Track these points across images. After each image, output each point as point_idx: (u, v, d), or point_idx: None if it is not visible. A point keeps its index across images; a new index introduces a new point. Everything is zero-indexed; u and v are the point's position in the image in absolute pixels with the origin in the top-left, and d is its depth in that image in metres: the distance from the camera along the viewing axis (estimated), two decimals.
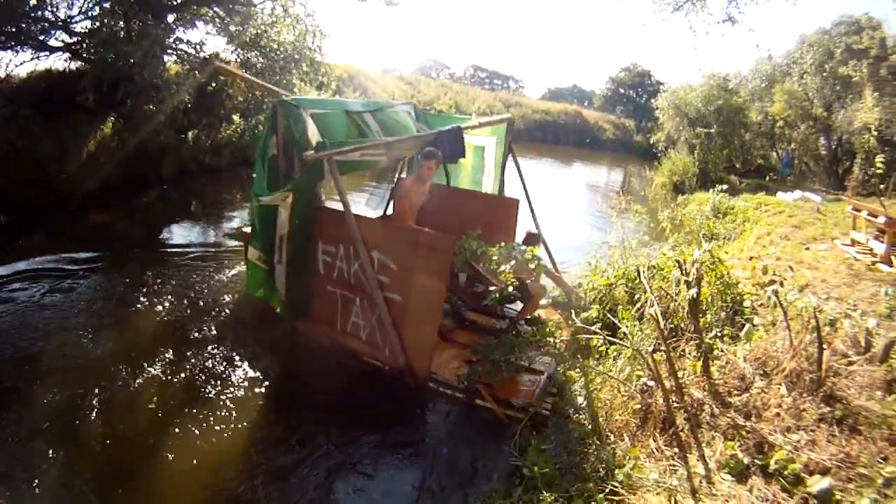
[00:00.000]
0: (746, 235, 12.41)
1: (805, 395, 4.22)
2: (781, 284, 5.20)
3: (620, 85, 58.06)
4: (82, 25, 13.66)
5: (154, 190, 12.77)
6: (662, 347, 4.62)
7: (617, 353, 5.45)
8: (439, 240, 5.16)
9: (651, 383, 4.56)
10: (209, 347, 6.07)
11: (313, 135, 5.70)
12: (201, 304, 7.07)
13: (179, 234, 10.38)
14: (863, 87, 17.32)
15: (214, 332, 6.39)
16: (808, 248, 9.62)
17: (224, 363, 5.77)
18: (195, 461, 4.34)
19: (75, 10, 13.49)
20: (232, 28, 15.35)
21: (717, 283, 6.41)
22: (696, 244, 12.06)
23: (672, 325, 5.60)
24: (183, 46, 14.86)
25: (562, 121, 44.04)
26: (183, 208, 12.25)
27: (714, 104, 22.18)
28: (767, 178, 23.09)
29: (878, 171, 14.13)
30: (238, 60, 15.85)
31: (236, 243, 9.04)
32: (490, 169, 8.19)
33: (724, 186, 15.85)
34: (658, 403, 4.40)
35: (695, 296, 4.90)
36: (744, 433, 4.00)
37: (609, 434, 4.55)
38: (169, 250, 9.21)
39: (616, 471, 3.86)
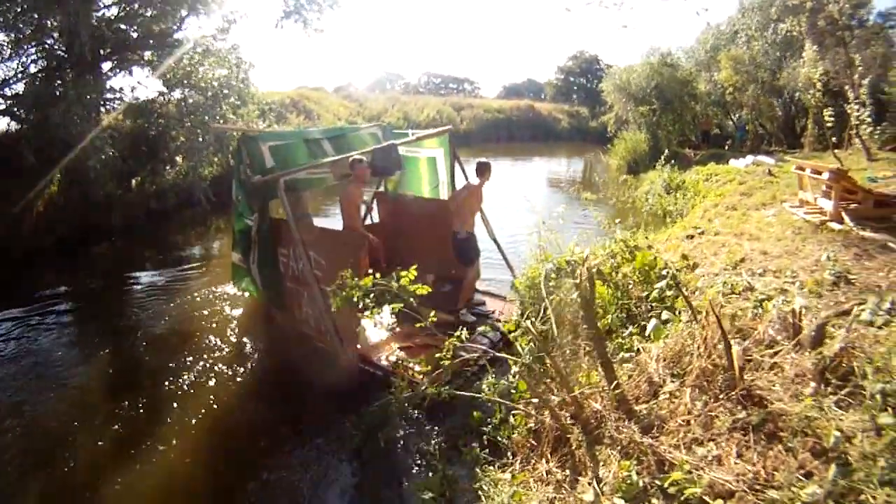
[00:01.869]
0: (695, 210, 11.84)
1: (720, 397, 3.60)
2: (674, 276, 5.19)
3: (570, 74, 57.92)
4: (16, 88, 14.60)
5: (104, 242, 13.08)
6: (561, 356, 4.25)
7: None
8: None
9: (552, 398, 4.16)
10: (192, 356, 7.21)
11: (268, 162, 7.11)
12: (175, 325, 8.32)
13: (136, 276, 11.15)
14: (803, 42, 16.93)
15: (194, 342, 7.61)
16: (743, 216, 9.06)
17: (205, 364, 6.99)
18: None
19: (10, 72, 14.44)
20: (163, 69, 15.59)
21: (635, 274, 5.92)
22: (650, 227, 11.66)
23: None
24: (114, 94, 15.71)
25: (515, 117, 43.71)
26: (134, 255, 12.70)
27: (654, 80, 21.90)
28: (726, 146, 22.72)
29: (829, 126, 13.69)
30: (174, 100, 16.15)
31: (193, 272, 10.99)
32: (443, 179, 8.97)
33: (666, 163, 15.40)
34: (547, 421, 4.06)
35: (587, 296, 4.21)
36: (643, 449, 3.43)
37: (508, 455, 4.30)
38: (130, 288, 10.42)
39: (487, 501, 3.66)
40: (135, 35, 15.57)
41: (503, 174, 27.87)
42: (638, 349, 4.55)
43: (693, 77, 23.01)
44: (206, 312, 8.67)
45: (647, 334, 4.65)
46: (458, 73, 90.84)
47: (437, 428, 5.28)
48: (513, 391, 4.51)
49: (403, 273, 4.13)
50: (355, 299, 4.14)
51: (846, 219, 7.57)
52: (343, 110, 33.95)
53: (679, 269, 6.71)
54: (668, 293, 5.39)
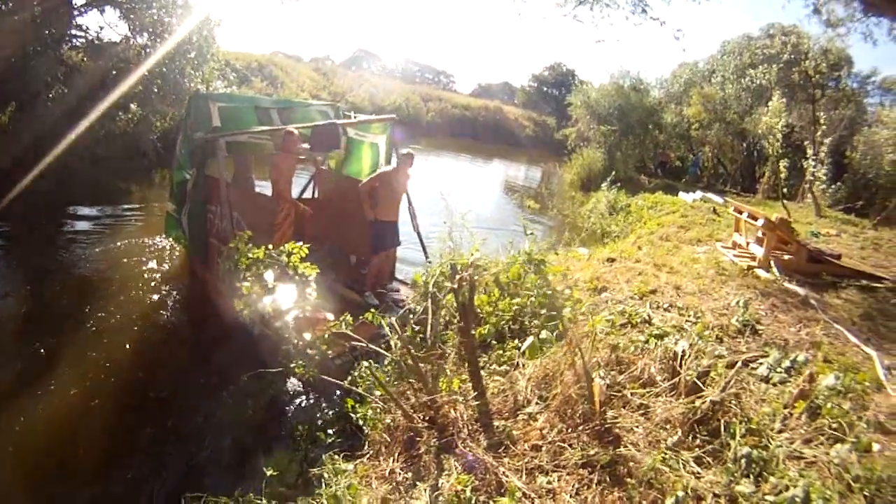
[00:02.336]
0: (631, 235, 11.61)
1: (577, 429, 3.32)
2: (548, 296, 5.15)
3: (544, 83, 57.87)
4: None
5: (43, 180, 11.84)
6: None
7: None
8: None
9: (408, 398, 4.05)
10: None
11: (214, 121, 7.32)
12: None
13: (70, 220, 11.09)
14: (771, 91, 16.96)
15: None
16: (675, 248, 8.81)
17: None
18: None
19: None
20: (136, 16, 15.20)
21: (536, 290, 5.50)
22: (586, 244, 11.36)
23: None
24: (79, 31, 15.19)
25: (482, 117, 43.37)
26: (72, 198, 12.16)
27: (618, 102, 21.75)
28: (684, 179, 22.71)
29: (782, 176, 13.68)
30: (137, 46, 15.55)
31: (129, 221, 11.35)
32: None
33: (615, 185, 15.23)
34: (399, 420, 3.89)
35: (464, 303, 3.87)
36: (487, 466, 3.23)
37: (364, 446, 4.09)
38: (63, 230, 10.42)
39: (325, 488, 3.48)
40: None
41: (460, 170, 27.66)
42: (517, 364, 4.29)
43: (661, 107, 22.93)
44: (133, 260, 8.89)
45: (521, 350, 4.31)
46: (437, 65, 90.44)
47: (324, 404, 5.37)
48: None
49: (295, 248, 4.04)
50: (242, 266, 4.05)
51: (773, 268, 7.35)
52: (309, 82, 33.16)
53: (587, 289, 6.37)
54: (565, 312, 5.00)
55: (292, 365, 4.23)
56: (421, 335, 4.71)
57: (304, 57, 53.67)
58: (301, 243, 4.14)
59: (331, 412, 5.17)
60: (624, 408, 3.48)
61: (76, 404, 5.20)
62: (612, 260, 7.93)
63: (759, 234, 8.07)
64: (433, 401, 3.81)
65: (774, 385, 3.93)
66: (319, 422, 4.99)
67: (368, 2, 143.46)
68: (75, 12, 15.24)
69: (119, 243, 9.51)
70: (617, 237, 13.13)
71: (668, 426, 3.26)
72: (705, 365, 3.64)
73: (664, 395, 3.53)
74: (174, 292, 7.91)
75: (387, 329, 4.30)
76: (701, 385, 3.47)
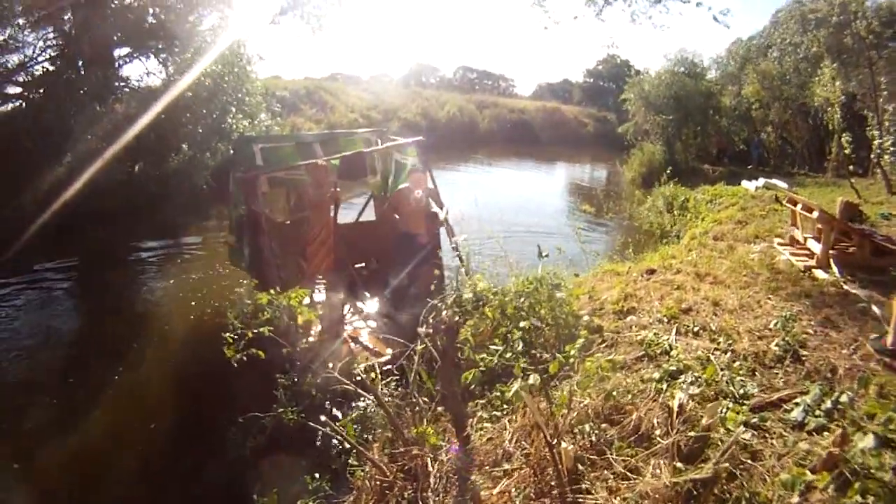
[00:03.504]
0: (687, 235, 10.77)
1: (547, 493, 2.92)
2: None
3: (599, 78, 56.29)
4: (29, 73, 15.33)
5: (106, 224, 12.84)
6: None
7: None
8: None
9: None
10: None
11: (258, 161, 7.83)
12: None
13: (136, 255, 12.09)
14: (822, 59, 15.56)
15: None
16: (728, 249, 7.97)
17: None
18: None
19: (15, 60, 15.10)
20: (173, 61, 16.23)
21: (547, 318, 5.06)
22: (645, 247, 10.63)
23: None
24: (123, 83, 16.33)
25: (539, 119, 42.43)
26: (134, 237, 12.96)
27: (671, 90, 20.65)
28: (751, 165, 21.31)
29: (846, 152, 12.42)
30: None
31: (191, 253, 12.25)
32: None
33: (673, 178, 14.25)
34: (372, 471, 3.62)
35: (443, 346, 3.62)
36: None
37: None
38: (129, 267, 11.34)
39: None
40: (152, 21, 16.02)
41: (522, 177, 27.17)
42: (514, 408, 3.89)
43: (718, 89, 21.58)
44: (201, 293, 9.57)
45: (506, 397, 3.85)
46: (495, 69, 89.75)
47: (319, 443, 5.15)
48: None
49: (296, 293, 3.99)
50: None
51: (834, 267, 6.48)
52: (359, 103, 33.09)
53: (612, 312, 5.73)
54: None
55: (280, 410, 4.04)
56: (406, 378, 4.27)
57: (363, 76, 54.95)
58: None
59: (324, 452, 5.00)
60: (606, 468, 2.96)
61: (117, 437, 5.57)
62: (651, 271, 7.21)
63: (817, 227, 7.20)
64: (409, 450, 3.52)
65: (810, 434, 3.23)
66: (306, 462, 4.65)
67: (423, 15, 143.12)
68: (118, 63, 16.49)
69: (184, 276, 10.50)
70: (676, 237, 12.28)
71: (653, 502, 2.65)
72: (704, 424, 2.97)
73: (659, 457, 2.92)
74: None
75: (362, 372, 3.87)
76: (702, 445, 2.86)
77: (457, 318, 4.01)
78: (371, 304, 8.23)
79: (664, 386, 3.72)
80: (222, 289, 9.65)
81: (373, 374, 3.83)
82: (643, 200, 16.50)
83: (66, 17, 15.39)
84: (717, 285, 6.25)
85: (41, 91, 14.83)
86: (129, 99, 15.91)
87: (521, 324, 4.98)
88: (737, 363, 4.09)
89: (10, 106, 15.45)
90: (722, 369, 3.92)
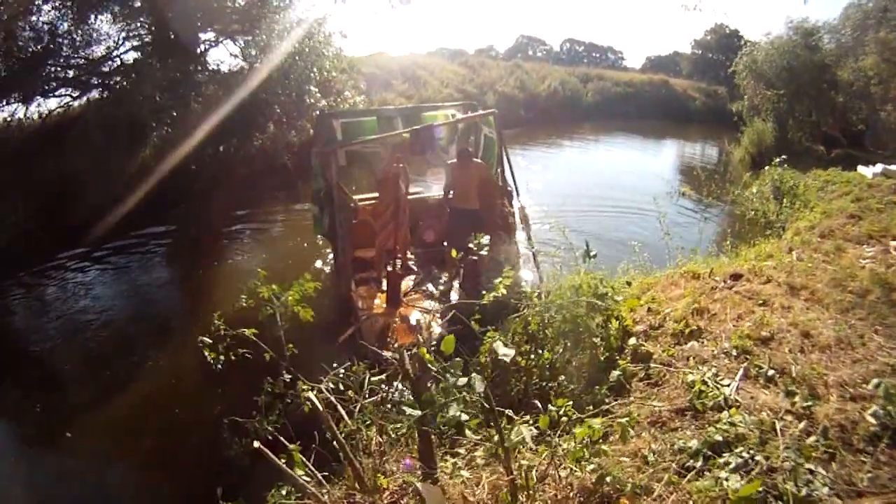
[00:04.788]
0: (790, 228, 9.24)
1: None
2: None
3: (707, 49, 52.23)
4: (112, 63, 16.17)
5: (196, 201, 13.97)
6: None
7: None
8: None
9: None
10: None
11: (338, 136, 8.10)
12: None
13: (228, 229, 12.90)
14: None
15: None
16: (835, 252, 6.54)
17: None
18: None
19: (102, 50, 15.95)
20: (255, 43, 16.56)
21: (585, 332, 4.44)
22: (748, 238, 9.28)
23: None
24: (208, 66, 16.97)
25: (646, 93, 39.76)
26: (225, 212, 13.71)
27: (785, 61, 18.21)
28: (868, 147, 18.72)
29: None
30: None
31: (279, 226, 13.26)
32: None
33: (782, 160, 12.40)
34: None
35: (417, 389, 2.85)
36: None
37: None
38: (222, 238, 12.24)
39: None
40: (236, 5, 16.29)
41: (629, 154, 25.90)
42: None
43: (833, 61, 18.95)
44: (290, 262, 10.48)
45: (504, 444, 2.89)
46: (603, 42, 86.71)
47: None
48: None
49: (293, 289, 3.56)
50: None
51: None
52: (454, 77, 31.88)
53: (672, 334, 4.63)
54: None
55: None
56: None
57: (468, 50, 54.70)
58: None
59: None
60: None
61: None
62: (737, 277, 5.94)
63: None
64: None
65: None
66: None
67: None
68: (203, 47, 17.00)
69: (276, 245, 11.77)
70: (781, 228, 10.69)
71: None
72: None
73: None
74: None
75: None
76: None
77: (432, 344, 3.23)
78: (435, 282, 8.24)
79: (699, 463, 2.68)
80: (301, 261, 10.25)
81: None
82: (749, 184, 14.70)
83: (152, 6, 15.51)
84: (812, 304, 4.96)
85: (130, 77, 15.17)
86: (214, 82, 16.39)
87: (544, 353, 4.13)
88: (812, 437, 2.94)
89: (96, 94, 15.99)
90: (787, 447, 2.80)
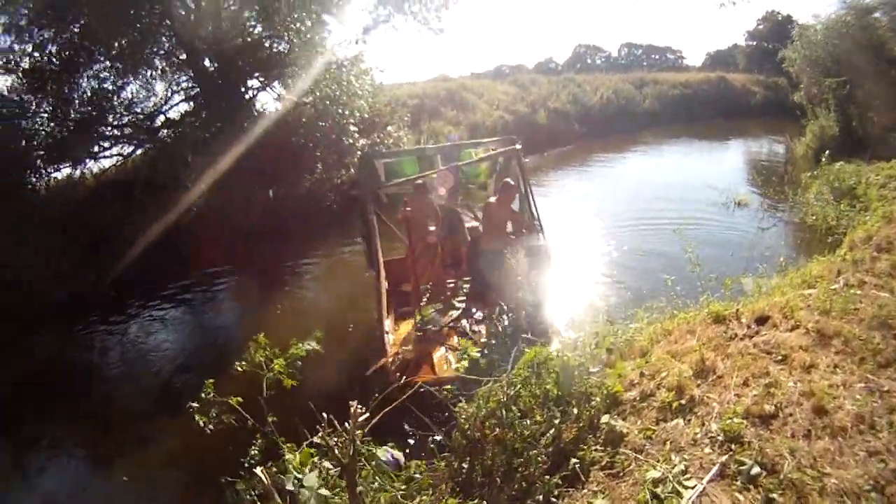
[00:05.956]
0: (847, 238, 8.09)
1: None
2: None
3: (762, 39, 49.51)
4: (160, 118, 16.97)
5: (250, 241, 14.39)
6: None
7: None
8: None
9: None
10: None
11: (382, 176, 8.69)
12: None
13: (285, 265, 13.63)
14: None
15: None
16: (884, 278, 5.48)
17: None
18: None
19: (151, 103, 16.81)
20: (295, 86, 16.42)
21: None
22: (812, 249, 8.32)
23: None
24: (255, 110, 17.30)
25: (704, 91, 38.04)
26: (282, 251, 14.33)
27: (841, 44, 16.65)
28: None
29: None
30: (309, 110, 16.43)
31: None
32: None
33: (838, 154, 11.17)
34: None
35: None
36: None
37: None
38: (279, 275, 12.89)
39: None
40: (281, 49, 16.48)
41: (691, 160, 24.87)
42: None
43: (890, 37, 17.19)
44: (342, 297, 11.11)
45: None
46: (660, 42, 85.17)
47: None
48: None
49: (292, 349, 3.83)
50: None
51: None
52: (503, 98, 31.15)
53: (659, 407, 3.85)
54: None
55: None
56: None
57: (528, 64, 55.15)
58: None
59: None
60: None
61: None
62: (762, 320, 4.99)
63: None
64: None
65: None
66: None
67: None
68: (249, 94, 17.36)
69: (332, 284, 12.57)
70: (842, 235, 9.47)
71: None
72: None
73: None
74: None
75: None
76: None
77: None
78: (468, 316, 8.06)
79: None
80: (352, 295, 10.68)
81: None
82: (809, 185, 13.35)
83: (195, 59, 16.15)
84: (843, 359, 4.00)
85: (178, 130, 15.96)
86: (260, 127, 16.36)
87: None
88: None
89: (146, 147, 16.55)
90: None
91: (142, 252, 12.62)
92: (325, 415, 3.24)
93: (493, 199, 8.20)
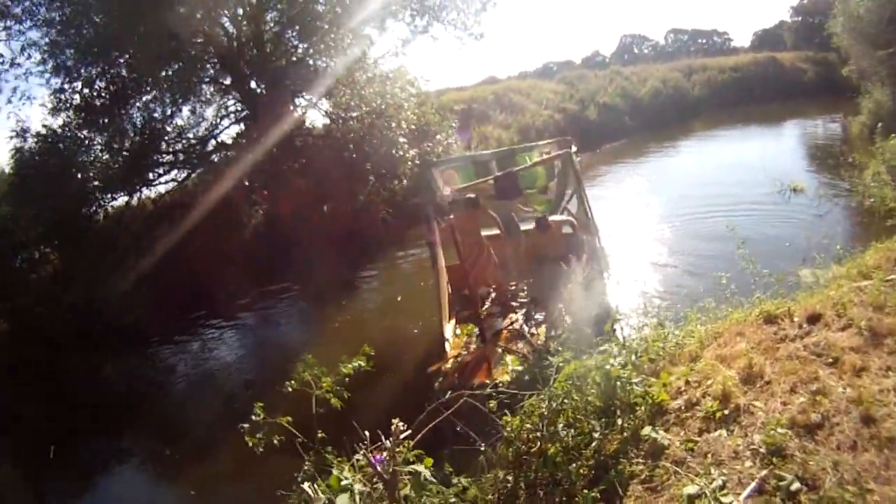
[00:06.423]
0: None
1: None
2: None
3: (807, 14, 47.59)
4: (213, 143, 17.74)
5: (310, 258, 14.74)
6: None
7: None
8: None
9: None
10: None
11: (439, 185, 8.60)
12: None
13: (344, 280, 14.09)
14: None
15: None
16: None
17: None
18: None
19: (202, 128, 17.70)
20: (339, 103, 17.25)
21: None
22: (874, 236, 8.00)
23: None
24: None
25: (753, 73, 37.08)
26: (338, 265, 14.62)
27: (888, 11, 15.76)
28: None
29: None
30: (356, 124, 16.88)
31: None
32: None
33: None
34: None
35: None
36: None
37: None
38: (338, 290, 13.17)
39: None
40: (326, 66, 16.92)
41: (749, 146, 23.70)
42: None
43: None
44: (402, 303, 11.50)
45: None
46: (706, 25, 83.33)
47: None
48: None
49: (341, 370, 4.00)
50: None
51: None
52: (552, 97, 31.12)
53: (705, 414, 3.80)
54: None
55: None
56: None
57: (575, 59, 55.00)
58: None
59: None
60: None
61: None
62: (814, 318, 4.82)
63: None
64: None
65: None
66: None
67: None
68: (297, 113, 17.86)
69: (382, 291, 13.23)
70: None
71: None
72: None
73: None
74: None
75: None
76: None
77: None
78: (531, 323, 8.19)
79: None
80: (413, 301, 11.24)
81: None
82: (865, 165, 12.81)
83: (241, 82, 16.64)
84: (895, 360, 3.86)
85: (229, 154, 16.47)
86: (308, 146, 17.35)
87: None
88: None
89: (200, 171, 17.14)
90: None
91: (203, 274, 13.33)
92: (366, 433, 3.32)
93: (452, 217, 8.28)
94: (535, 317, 8.12)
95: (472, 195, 8.36)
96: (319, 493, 3.08)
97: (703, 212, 13.46)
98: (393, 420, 3.21)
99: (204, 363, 11.10)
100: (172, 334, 12.17)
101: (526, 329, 7.80)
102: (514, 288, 9.24)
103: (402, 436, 3.22)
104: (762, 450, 3.18)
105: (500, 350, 7.44)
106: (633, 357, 4.53)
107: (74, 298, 12.58)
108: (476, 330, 8.00)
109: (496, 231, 8.85)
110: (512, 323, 8.17)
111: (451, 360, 7.29)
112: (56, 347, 11.59)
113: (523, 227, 9.35)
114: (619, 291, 8.61)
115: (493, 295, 8.95)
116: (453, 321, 8.54)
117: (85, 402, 9.76)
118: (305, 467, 3.59)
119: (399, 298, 11.88)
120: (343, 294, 12.86)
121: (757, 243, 10.12)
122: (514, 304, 8.85)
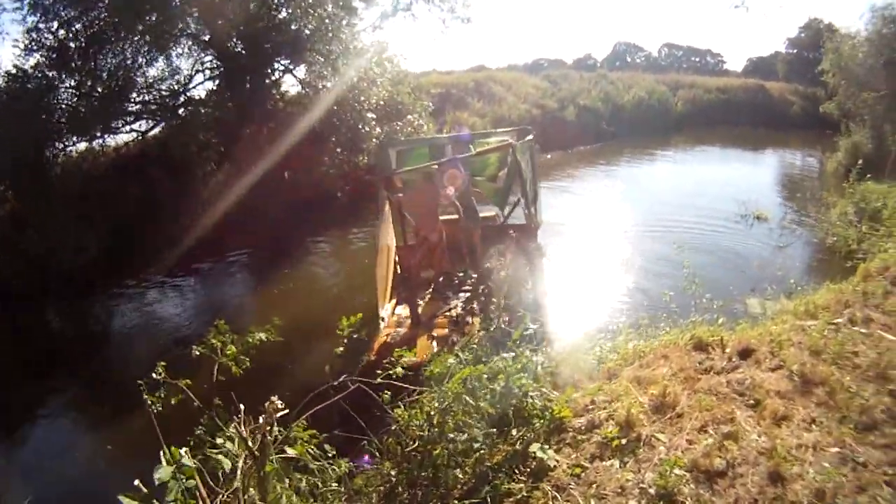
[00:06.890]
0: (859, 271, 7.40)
1: None
2: None
3: (802, 48, 47.61)
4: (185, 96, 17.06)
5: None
6: None
7: None
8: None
9: None
10: None
11: (393, 164, 8.72)
12: None
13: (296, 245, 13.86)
14: None
15: None
16: (887, 316, 4.89)
17: None
18: None
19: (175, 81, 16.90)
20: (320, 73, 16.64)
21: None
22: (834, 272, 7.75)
23: None
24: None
25: (740, 98, 36.82)
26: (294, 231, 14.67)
27: (880, 57, 15.59)
28: None
29: None
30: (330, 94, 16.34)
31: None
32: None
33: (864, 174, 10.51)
34: None
35: None
36: None
37: None
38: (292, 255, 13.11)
39: None
40: (307, 33, 16.30)
41: (725, 169, 23.60)
42: None
43: None
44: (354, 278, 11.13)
45: None
46: (702, 45, 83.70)
47: None
48: None
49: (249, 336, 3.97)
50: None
51: None
52: (533, 92, 30.38)
53: (600, 441, 3.43)
54: None
55: None
56: None
57: (566, 59, 54.61)
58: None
59: None
60: None
61: None
62: (745, 353, 4.45)
63: None
64: None
65: None
66: None
67: None
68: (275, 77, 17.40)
69: (336, 263, 13.15)
70: (862, 260, 8.79)
71: None
72: None
73: None
74: None
75: None
76: None
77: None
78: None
79: None
80: (348, 282, 11.40)
81: None
82: (833, 203, 12.61)
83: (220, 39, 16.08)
84: (822, 412, 3.48)
85: (200, 109, 15.90)
86: (279, 111, 16.95)
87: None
88: None
89: (168, 124, 16.49)
90: None
91: (157, 228, 13.28)
92: (241, 405, 3.23)
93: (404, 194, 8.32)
94: (474, 307, 7.55)
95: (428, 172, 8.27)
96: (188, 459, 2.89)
97: (662, 226, 13.10)
98: (271, 398, 3.08)
99: (146, 318, 10.86)
100: (122, 288, 11.93)
101: (463, 318, 7.37)
102: (461, 276, 8.60)
103: (278, 414, 3.08)
104: (651, 490, 2.79)
105: (427, 336, 7.15)
106: (539, 368, 4.08)
107: (30, 244, 12.11)
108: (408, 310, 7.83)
109: (454, 216, 8.46)
110: (450, 310, 7.74)
111: (382, 341, 7.11)
112: (7, 295, 11.16)
113: (483, 213, 9.18)
114: (552, 295, 8.08)
115: (441, 279, 8.49)
116: (394, 301, 8.37)
117: (25, 350, 9.64)
118: (197, 432, 3.46)
119: (350, 276, 11.82)
120: (295, 262, 12.73)
121: (711, 267, 9.97)
122: (457, 292, 8.35)
